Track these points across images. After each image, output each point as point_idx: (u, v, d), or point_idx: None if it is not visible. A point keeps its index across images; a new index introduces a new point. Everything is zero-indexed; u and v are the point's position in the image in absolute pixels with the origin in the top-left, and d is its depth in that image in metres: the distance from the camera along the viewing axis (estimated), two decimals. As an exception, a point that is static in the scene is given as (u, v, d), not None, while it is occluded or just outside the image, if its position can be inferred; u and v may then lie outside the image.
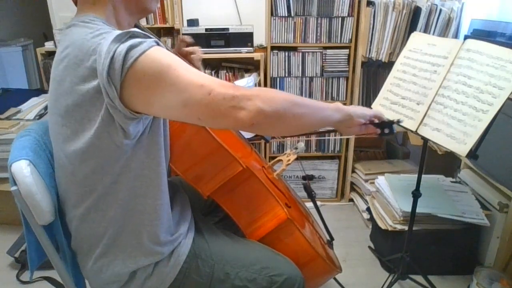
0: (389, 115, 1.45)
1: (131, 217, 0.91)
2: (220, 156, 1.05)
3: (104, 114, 0.77)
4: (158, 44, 0.78)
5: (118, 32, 0.76)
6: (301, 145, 1.36)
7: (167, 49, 0.82)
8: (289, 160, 1.33)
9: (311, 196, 1.34)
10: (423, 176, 1.54)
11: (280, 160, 1.36)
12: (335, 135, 2.30)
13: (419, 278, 1.70)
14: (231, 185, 1.09)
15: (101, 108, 0.77)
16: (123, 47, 0.73)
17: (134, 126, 0.80)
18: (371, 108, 1.10)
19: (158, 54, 0.75)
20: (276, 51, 2.21)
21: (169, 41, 2.33)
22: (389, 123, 1.07)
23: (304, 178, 1.43)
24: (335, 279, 1.64)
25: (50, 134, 0.92)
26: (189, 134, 1.03)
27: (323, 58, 2.21)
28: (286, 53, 2.20)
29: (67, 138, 0.83)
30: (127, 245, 0.92)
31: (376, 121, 1.06)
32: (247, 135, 1.62)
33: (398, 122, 1.10)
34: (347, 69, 2.23)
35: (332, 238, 1.36)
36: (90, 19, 0.83)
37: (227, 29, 2.16)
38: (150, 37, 0.78)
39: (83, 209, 0.90)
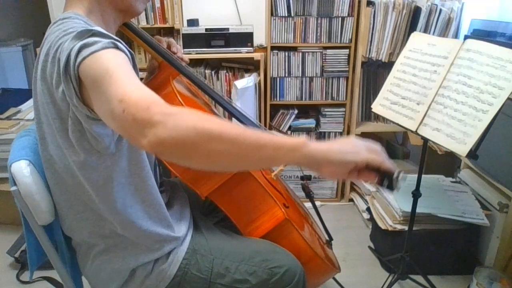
0: (389, 116, 1.45)
1: (123, 221, 0.90)
2: None
3: (72, 114, 0.77)
4: (116, 46, 0.72)
5: (83, 29, 0.74)
6: None
7: (127, 52, 0.76)
8: None
9: (310, 196, 1.34)
10: (423, 176, 1.54)
11: None
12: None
13: (419, 278, 1.70)
14: (229, 185, 1.08)
15: (68, 110, 0.77)
16: (78, 45, 0.71)
17: (100, 128, 0.77)
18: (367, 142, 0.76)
19: (105, 57, 0.69)
20: (276, 51, 2.20)
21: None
22: (389, 176, 0.77)
23: (302, 178, 1.43)
24: (335, 279, 1.64)
25: (37, 135, 0.90)
26: None
27: (323, 58, 2.21)
28: (286, 53, 2.20)
29: (52, 138, 0.84)
30: (126, 243, 0.92)
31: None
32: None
33: (399, 174, 0.77)
34: (347, 69, 2.23)
35: (331, 238, 1.36)
36: (68, 16, 0.83)
37: (227, 29, 2.16)
38: (112, 38, 0.74)
39: (78, 208, 0.90)
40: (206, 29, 2.16)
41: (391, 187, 0.77)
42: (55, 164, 0.86)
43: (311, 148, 0.69)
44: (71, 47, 0.72)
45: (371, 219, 2.02)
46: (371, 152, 0.74)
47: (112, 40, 0.73)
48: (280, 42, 2.20)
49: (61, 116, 0.79)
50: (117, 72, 0.67)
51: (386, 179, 0.77)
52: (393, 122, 1.43)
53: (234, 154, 0.65)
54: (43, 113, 0.84)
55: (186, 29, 2.16)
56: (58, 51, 0.75)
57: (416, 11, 2.07)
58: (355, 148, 0.73)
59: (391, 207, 1.84)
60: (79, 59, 0.70)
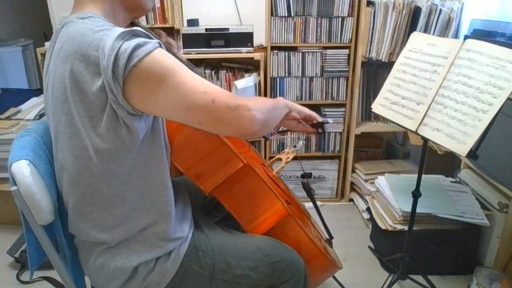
0: (389, 116, 1.45)
1: (138, 215, 0.92)
2: (222, 152, 1.06)
3: (109, 111, 0.79)
4: (161, 46, 0.80)
5: (120, 29, 0.78)
6: (300, 143, 1.37)
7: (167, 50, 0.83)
8: (288, 158, 1.33)
9: (310, 193, 1.34)
10: (423, 176, 1.54)
11: (279, 158, 1.36)
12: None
13: (419, 278, 1.70)
14: (232, 181, 1.09)
15: (105, 106, 0.78)
16: (128, 45, 0.74)
17: (137, 123, 0.81)
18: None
19: (163, 56, 0.78)
20: (276, 51, 2.20)
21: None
22: (321, 124, 1.19)
23: (302, 176, 1.44)
24: (335, 279, 1.65)
25: (51, 133, 0.92)
26: (191, 130, 1.03)
27: (323, 58, 2.21)
28: (286, 53, 2.20)
29: (73, 136, 0.84)
30: (132, 242, 0.93)
31: (314, 121, 1.16)
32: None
33: (327, 122, 1.21)
34: (347, 69, 2.23)
35: (331, 237, 1.36)
36: (88, 15, 0.84)
37: (227, 29, 2.16)
38: (152, 38, 0.80)
39: (87, 209, 0.90)
40: (206, 29, 2.16)
41: (323, 130, 1.19)
42: (72, 163, 0.86)
43: (286, 101, 1.06)
44: (117, 46, 0.74)
45: (371, 219, 2.02)
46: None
47: (158, 40, 0.80)
48: (280, 42, 2.20)
49: (90, 114, 0.80)
50: (183, 69, 0.79)
51: (320, 128, 1.18)
52: (393, 122, 1.43)
53: (278, 115, 0.99)
54: (61, 112, 0.84)
55: (186, 29, 2.16)
56: (90, 48, 0.77)
57: (416, 11, 2.07)
58: (301, 106, 1.13)
59: (391, 207, 1.84)
60: (135, 60, 0.74)
